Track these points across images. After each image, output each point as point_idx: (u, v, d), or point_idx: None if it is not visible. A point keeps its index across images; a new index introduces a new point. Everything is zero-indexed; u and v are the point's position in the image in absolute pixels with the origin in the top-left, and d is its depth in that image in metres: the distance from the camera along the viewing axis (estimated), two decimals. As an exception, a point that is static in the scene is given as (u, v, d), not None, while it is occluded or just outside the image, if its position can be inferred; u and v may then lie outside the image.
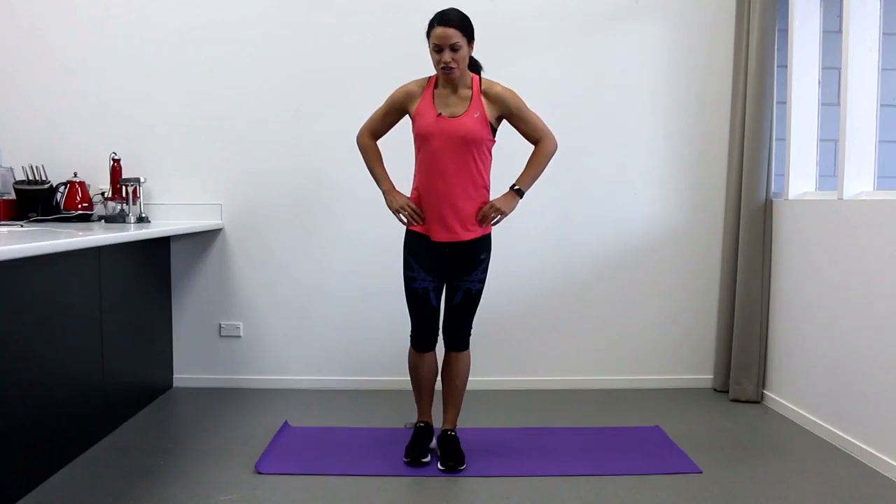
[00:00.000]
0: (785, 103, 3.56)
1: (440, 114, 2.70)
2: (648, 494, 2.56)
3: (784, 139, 3.59)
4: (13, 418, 2.46)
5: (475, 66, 2.82)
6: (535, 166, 2.85)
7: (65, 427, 2.79)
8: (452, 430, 2.90)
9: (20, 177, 3.71)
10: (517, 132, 2.86)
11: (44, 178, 3.70)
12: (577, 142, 3.85)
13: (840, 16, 3.08)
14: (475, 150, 2.72)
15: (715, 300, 3.93)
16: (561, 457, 2.91)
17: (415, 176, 2.82)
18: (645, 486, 2.63)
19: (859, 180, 3.04)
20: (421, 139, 2.74)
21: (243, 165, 3.84)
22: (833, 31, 3.48)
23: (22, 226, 3.27)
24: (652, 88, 3.86)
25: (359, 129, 2.91)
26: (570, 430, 3.24)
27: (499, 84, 2.79)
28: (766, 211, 3.63)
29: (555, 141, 2.87)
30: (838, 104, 3.10)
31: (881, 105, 3.06)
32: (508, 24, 3.81)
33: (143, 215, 3.59)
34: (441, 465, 2.78)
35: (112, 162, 3.67)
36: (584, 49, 3.84)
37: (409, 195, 2.85)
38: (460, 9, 2.70)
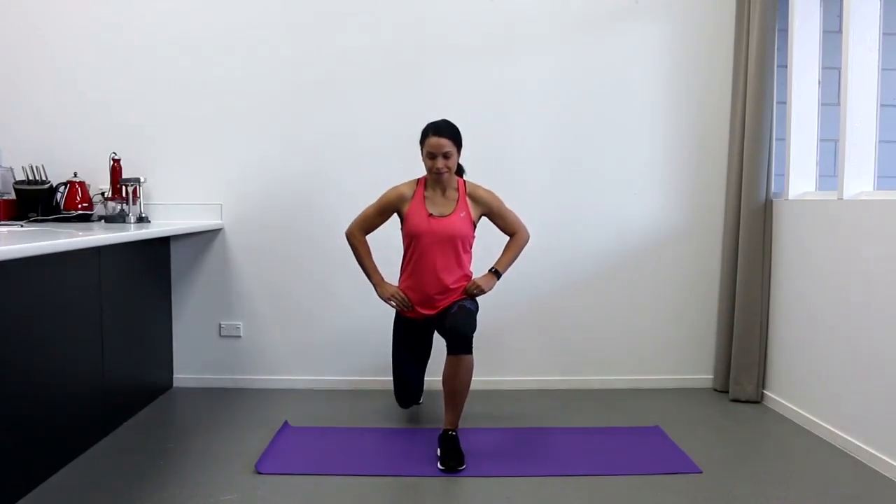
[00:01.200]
0: (785, 103, 3.56)
1: (431, 214, 3.06)
2: (648, 494, 2.56)
3: (784, 139, 3.59)
4: (13, 418, 2.46)
5: (459, 171, 3.20)
6: (510, 253, 3.23)
7: (65, 427, 2.79)
8: (453, 430, 2.90)
9: (20, 177, 3.71)
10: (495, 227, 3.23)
11: (44, 178, 3.70)
12: (577, 142, 3.86)
13: (840, 16, 3.08)
14: (461, 245, 3.10)
15: (715, 300, 3.93)
16: (561, 457, 2.91)
17: (403, 269, 3.19)
18: (645, 486, 2.63)
19: (859, 180, 3.04)
20: (412, 237, 3.09)
21: (243, 165, 3.84)
22: (833, 31, 3.48)
23: (22, 226, 3.27)
24: (652, 88, 3.86)
25: (349, 225, 3.21)
26: (570, 430, 3.24)
27: (481, 188, 3.17)
28: (766, 211, 3.62)
29: (527, 233, 3.27)
30: (838, 104, 3.10)
31: (881, 105, 3.06)
32: (508, 24, 3.81)
33: (143, 215, 3.59)
34: (441, 464, 2.78)
35: (112, 162, 3.67)
36: (585, 49, 3.84)
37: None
38: (450, 121, 3.04)
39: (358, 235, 3.19)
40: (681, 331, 3.95)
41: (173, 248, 3.87)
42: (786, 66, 3.55)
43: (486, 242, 3.34)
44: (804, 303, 3.35)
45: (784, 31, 3.58)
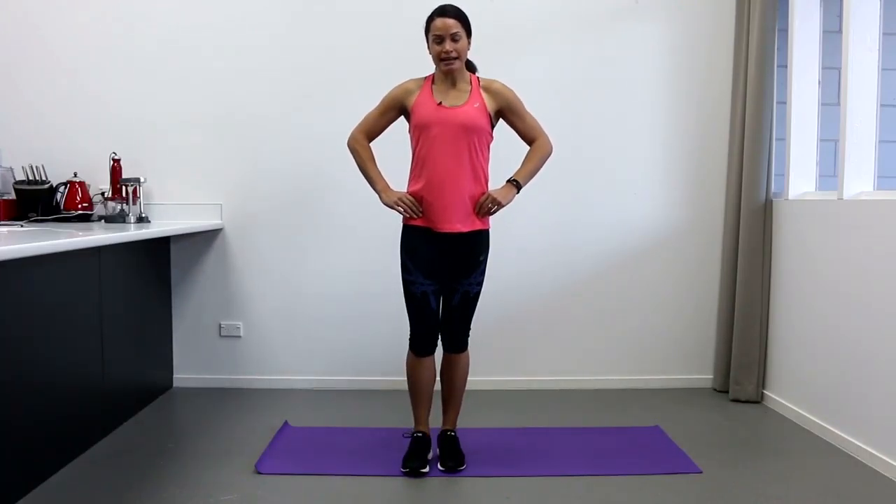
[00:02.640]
0: (785, 103, 3.56)
1: (440, 103, 2.70)
2: (648, 494, 2.56)
3: (784, 139, 3.59)
4: (13, 418, 2.46)
5: (471, 67, 2.84)
6: (532, 161, 2.84)
7: (65, 427, 2.79)
8: (452, 430, 2.90)
9: (20, 177, 3.71)
10: (514, 132, 2.87)
11: (44, 178, 3.70)
12: (577, 142, 3.85)
13: (840, 16, 3.08)
14: (476, 139, 2.71)
15: (715, 300, 3.93)
16: (561, 457, 2.91)
17: (411, 171, 2.80)
18: (645, 486, 2.63)
19: (859, 180, 3.04)
20: (420, 129, 2.72)
21: (243, 165, 3.84)
22: (833, 31, 3.48)
23: (22, 226, 3.27)
24: (652, 88, 3.86)
25: (350, 133, 2.87)
26: (570, 430, 3.24)
27: (497, 81, 2.81)
28: (766, 211, 3.62)
29: (550, 142, 2.88)
30: (838, 104, 3.10)
31: (881, 105, 3.06)
32: (508, 24, 3.81)
33: (143, 215, 3.59)
34: (441, 465, 2.78)
35: (112, 162, 3.67)
36: (585, 49, 3.84)
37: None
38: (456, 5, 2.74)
39: (360, 138, 2.83)
40: (681, 331, 3.95)
41: (173, 248, 3.87)
42: (786, 66, 3.55)
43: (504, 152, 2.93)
44: (804, 303, 3.34)
45: (784, 31, 3.58)
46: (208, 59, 3.80)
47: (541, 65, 3.83)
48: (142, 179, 3.56)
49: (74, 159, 3.78)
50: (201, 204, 3.84)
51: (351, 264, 3.87)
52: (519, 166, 2.84)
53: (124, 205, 3.55)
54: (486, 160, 2.78)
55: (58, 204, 3.66)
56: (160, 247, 3.77)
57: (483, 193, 2.76)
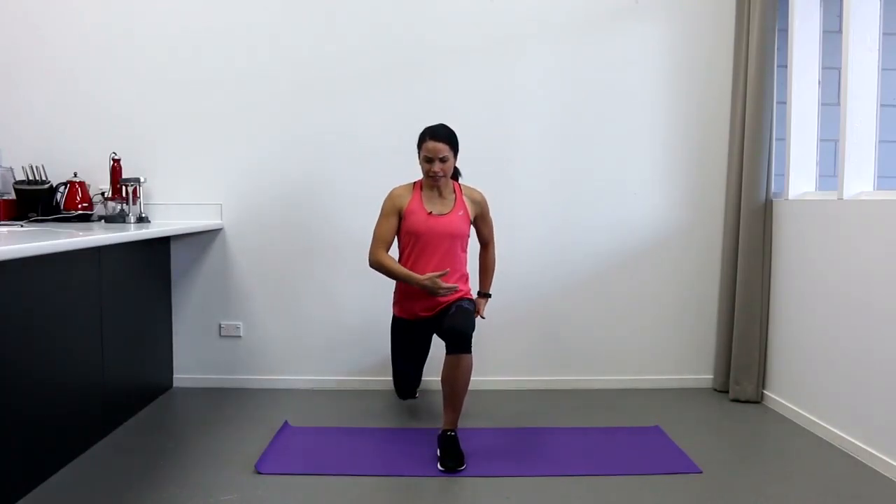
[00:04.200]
0: (785, 103, 3.56)
1: (430, 212, 3.09)
2: (648, 494, 2.56)
3: (784, 139, 3.59)
4: (13, 418, 2.46)
5: (455, 173, 3.23)
6: (492, 271, 3.39)
7: (65, 427, 2.79)
8: (452, 430, 2.90)
9: (20, 177, 3.71)
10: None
11: (44, 178, 3.70)
12: (577, 142, 3.86)
13: (840, 16, 3.08)
14: (459, 243, 3.14)
15: (715, 300, 3.93)
16: (561, 457, 2.91)
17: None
18: (645, 486, 2.63)
19: (859, 180, 3.04)
20: (410, 235, 3.10)
21: (243, 165, 3.84)
22: (833, 31, 3.48)
23: (22, 226, 3.27)
24: (652, 88, 3.86)
25: (369, 256, 3.15)
26: (570, 430, 3.24)
27: (476, 190, 3.24)
28: (766, 211, 3.63)
29: (495, 248, 3.40)
30: (838, 104, 3.10)
31: (881, 105, 3.06)
32: (508, 24, 3.81)
33: (143, 215, 3.59)
34: (441, 465, 2.78)
35: (112, 162, 3.67)
36: (585, 49, 3.84)
37: (392, 295, 3.29)
38: (448, 125, 3.10)
39: (383, 254, 3.11)
40: (681, 331, 3.95)
41: (173, 248, 3.87)
42: (786, 66, 3.55)
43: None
44: (804, 303, 3.35)
45: (784, 31, 3.58)
46: (208, 59, 3.80)
47: (541, 65, 3.83)
48: (142, 179, 3.56)
49: (74, 159, 3.78)
50: (201, 204, 3.84)
51: (351, 263, 3.87)
52: (481, 278, 3.39)
53: (124, 205, 3.55)
54: (466, 256, 3.21)
55: (58, 204, 3.66)
56: (160, 247, 3.77)
57: (465, 281, 3.21)
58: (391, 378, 3.82)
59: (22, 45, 3.78)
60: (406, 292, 3.17)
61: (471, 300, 3.20)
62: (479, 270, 3.38)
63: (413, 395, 3.53)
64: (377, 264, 3.11)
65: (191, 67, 3.80)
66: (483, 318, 3.38)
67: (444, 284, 2.99)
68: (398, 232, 3.17)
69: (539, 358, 3.93)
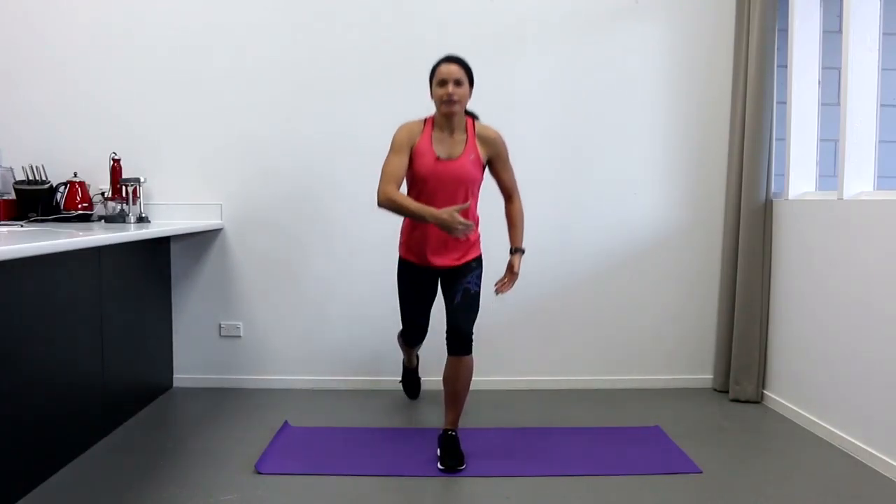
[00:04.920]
0: (785, 103, 3.56)
1: (438, 157, 2.85)
2: (648, 494, 2.56)
3: (784, 139, 3.59)
4: (13, 418, 2.46)
5: (471, 114, 2.98)
6: (520, 227, 3.07)
7: (65, 427, 2.79)
8: (453, 430, 2.90)
9: (20, 177, 3.71)
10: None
11: (44, 178, 3.70)
12: (577, 142, 3.86)
13: (840, 16, 3.08)
14: (469, 189, 2.89)
15: (715, 300, 3.93)
16: (561, 457, 2.91)
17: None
18: (645, 486, 2.63)
19: (859, 180, 3.04)
20: (419, 180, 2.88)
21: (243, 165, 3.84)
22: (833, 31, 3.48)
23: (22, 226, 3.27)
24: (652, 88, 3.86)
25: (377, 194, 2.80)
26: (570, 430, 3.24)
27: (491, 128, 2.95)
28: (766, 211, 3.62)
29: (520, 195, 3.09)
30: (838, 104, 3.10)
31: (881, 105, 3.06)
32: (508, 24, 3.81)
33: (143, 215, 3.59)
34: (441, 464, 2.78)
35: (112, 162, 3.67)
36: (585, 49, 3.84)
37: (399, 236, 3.07)
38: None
39: (393, 192, 2.78)
40: (681, 331, 3.95)
41: (173, 248, 3.87)
42: (786, 66, 3.55)
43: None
44: (804, 303, 3.35)
45: (784, 31, 3.58)
46: (209, 59, 3.80)
47: (541, 65, 3.83)
48: (142, 179, 3.56)
49: (74, 159, 3.78)
50: (201, 204, 3.84)
51: (351, 264, 3.87)
52: (511, 233, 3.07)
53: (124, 205, 3.55)
54: (477, 202, 2.98)
55: (58, 204, 3.66)
56: (160, 247, 3.77)
57: (475, 234, 2.98)
58: (391, 378, 3.84)
59: (22, 45, 3.78)
60: (414, 233, 2.95)
61: (479, 267, 2.98)
62: (508, 226, 3.06)
63: (421, 341, 3.32)
64: (387, 201, 2.77)
65: (191, 67, 3.80)
66: (516, 273, 3.02)
67: (463, 220, 2.68)
68: (406, 171, 2.89)
69: (539, 358, 3.93)
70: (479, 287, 2.96)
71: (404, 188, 2.90)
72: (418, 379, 3.67)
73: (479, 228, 3.06)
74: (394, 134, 2.88)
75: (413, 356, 3.56)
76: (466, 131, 2.89)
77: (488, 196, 3.08)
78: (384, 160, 2.85)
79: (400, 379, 3.72)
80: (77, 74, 3.79)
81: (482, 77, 3.80)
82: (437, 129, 2.89)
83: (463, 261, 2.95)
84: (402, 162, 2.84)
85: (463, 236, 2.76)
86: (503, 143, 2.95)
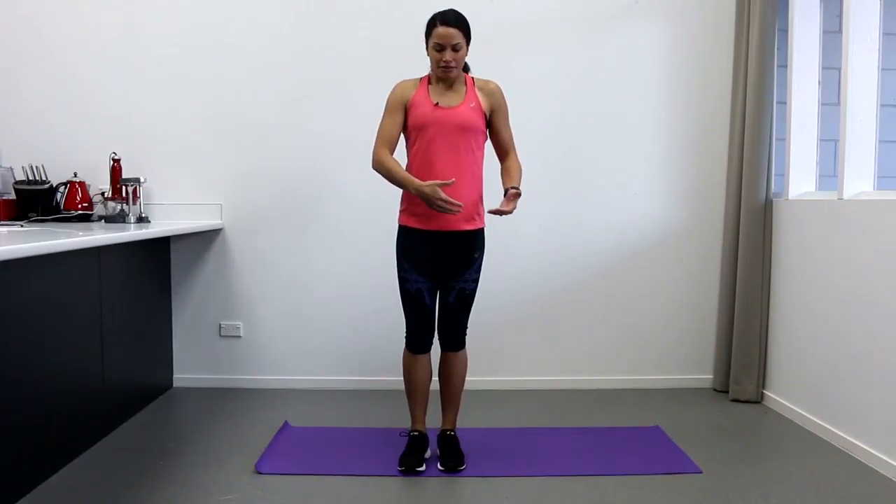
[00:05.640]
0: (785, 103, 3.56)
1: (437, 104, 2.72)
2: (648, 494, 2.56)
3: (784, 139, 3.59)
4: (13, 418, 2.46)
5: (465, 67, 2.86)
6: (517, 174, 2.86)
7: (65, 427, 2.79)
8: (452, 430, 2.90)
9: (20, 177, 3.71)
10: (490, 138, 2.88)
11: (44, 178, 3.70)
12: (577, 142, 3.86)
13: (840, 16, 3.08)
14: (472, 139, 2.74)
15: (715, 300, 3.93)
16: (561, 457, 2.91)
17: (408, 171, 2.75)
18: (645, 486, 2.63)
19: (859, 180, 3.04)
20: (416, 130, 2.73)
21: (243, 165, 3.84)
22: (833, 31, 3.48)
23: (22, 226, 3.27)
24: (652, 88, 3.86)
25: (372, 155, 2.75)
26: (570, 430, 3.24)
27: (490, 81, 2.84)
28: (766, 211, 3.62)
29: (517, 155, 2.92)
30: (838, 104, 3.10)
31: (881, 105, 3.06)
32: (508, 23, 3.81)
33: (143, 215, 3.59)
34: (441, 465, 2.78)
35: (112, 162, 3.67)
36: (584, 49, 3.84)
37: (399, 200, 2.84)
38: (458, 10, 2.73)
39: (385, 154, 2.72)
40: (681, 330, 3.95)
41: (173, 248, 3.87)
42: (786, 66, 3.55)
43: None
44: (804, 303, 3.35)
45: (784, 31, 3.58)
46: (208, 58, 3.80)
47: (541, 65, 3.83)
48: (142, 179, 3.56)
49: (74, 159, 3.78)
50: (201, 204, 3.84)
51: (351, 264, 3.87)
52: (504, 179, 2.85)
53: (124, 205, 3.55)
54: (482, 158, 2.81)
55: (58, 204, 3.66)
56: (160, 247, 3.77)
57: (479, 193, 2.80)
58: (390, 378, 3.83)
59: (23, 45, 3.78)
60: (414, 199, 2.73)
61: (480, 257, 2.83)
62: (502, 175, 2.87)
63: (429, 341, 2.87)
64: (378, 164, 2.72)
65: (191, 67, 3.80)
66: (510, 212, 2.72)
67: (445, 196, 2.56)
68: (405, 130, 2.80)
69: (538, 358, 3.93)
70: (477, 283, 2.86)
71: (405, 162, 2.80)
72: (425, 444, 2.89)
73: (482, 204, 2.83)
74: (388, 94, 2.79)
75: (421, 408, 2.93)
76: (465, 84, 2.79)
77: (489, 195, 3.07)
78: (380, 120, 2.78)
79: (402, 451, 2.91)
80: (77, 74, 3.79)
81: (482, 76, 3.81)
82: (434, 83, 2.78)
83: (467, 227, 2.76)
84: (396, 122, 2.75)
85: (447, 213, 2.61)
86: (503, 96, 2.84)
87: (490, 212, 2.74)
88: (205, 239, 3.87)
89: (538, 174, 3.85)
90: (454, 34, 2.65)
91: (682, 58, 3.86)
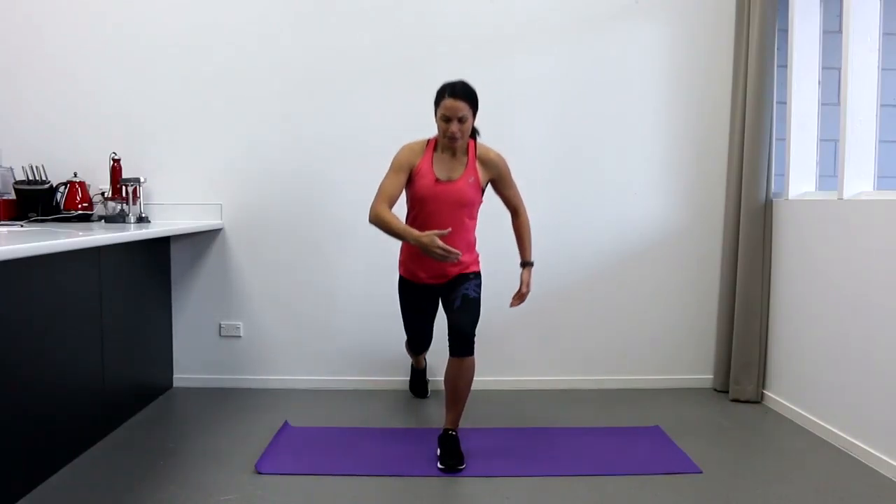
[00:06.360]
0: (785, 103, 3.56)
1: (438, 179, 2.91)
2: (648, 494, 2.56)
3: (784, 139, 3.59)
4: (13, 418, 2.46)
5: (472, 132, 3.00)
6: (528, 239, 3.18)
7: (65, 427, 2.79)
8: (453, 430, 2.90)
9: (20, 177, 3.71)
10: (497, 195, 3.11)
11: (44, 178, 3.70)
12: (577, 142, 3.86)
13: (840, 16, 3.08)
14: (467, 212, 2.96)
15: (715, 300, 3.93)
16: (561, 457, 2.91)
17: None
18: (645, 486, 2.63)
19: (859, 180, 3.04)
20: (418, 201, 2.94)
21: (243, 165, 3.84)
22: (833, 31, 3.49)
23: (22, 226, 3.27)
24: (652, 88, 3.86)
25: (370, 210, 2.86)
26: (570, 430, 3.24)
27: (492, 150, 3.00)
28: (766, 211, 3.63)
29: (526, 211, 3.19)
30: (838, 104, 3.10)
31: (881, 105, 3.06)
32: (509, 23, 3.81)
33: (143, 215, 3.59)
34: (441, 464, 2.78)
35: (112, 162, 3.67)
36: (584, 49, 3.84)
37: (398, 255, 3.13)
38: (467, 82, 2.88)
39: (384, 209, 2.85)
40: (681, 331, 3.95)
41: (173, 248, 3.87)
42: (786, 66, 3.55)
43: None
44: (804, 303, 3.35)
45: (784, 31, 3.58)
46: (208, 59, 3.80)
47: (541, 65, 3.83)
48: (142, 179, 3.56)
49: (74, 159, 3.79)
50: (201, 204, 3.84)
51: (350, 264, 3.87)
52: (520, 247, 3.18)
53: (124, 205, 3.55)
54: (475, 226, 3.04)
55: (58, 204, 3.66)
56: (160, 247, 3.77)
57: (472, 255, 3.04)
58: (390, 378, 3.84)
59: (22, 45, 3.78)
60: (410, 253, 3.02)
61: (477, 278, 3.02)
62: (516, 239, 3.18)
63: (426, 349, 3.47)
64: (376, 218, 2.85)
65: (191, 67, 3.80)
66: (525, 292, 3.12)
67: (443, 244, 2.70)
68: (406, 192, 2.99)
69: (539, 358, 3.93)
70: (479, 294, 2.99)
71: (404, 212, 3.04)
72: (426, 381, 3.74)
73: (475, 252, 3.08)
74: (396, 153, 2.96)
75: (421, 360, 3.63)
76: (468, 153, 2.96)
77: (490, 203, 3.08)
78: (383, 177, 2.92)
79: (409, 378, 3.81)
80: (77, 74, 3.80)
81: (482, 76, 3.82)
82: (438, 150, 2.96)
83: (458, 270, 3.02)
84: (399, 182, 2.91)
85: (444, 261, 2.74)
86: (504, 164, 3.02)
87: (512, 305, 3.13)
88: (205, 239, 3.87)
89: (538, 174, 3.85)
90: (461, 107, 2.81)
91: (682, 58, 3.86)
